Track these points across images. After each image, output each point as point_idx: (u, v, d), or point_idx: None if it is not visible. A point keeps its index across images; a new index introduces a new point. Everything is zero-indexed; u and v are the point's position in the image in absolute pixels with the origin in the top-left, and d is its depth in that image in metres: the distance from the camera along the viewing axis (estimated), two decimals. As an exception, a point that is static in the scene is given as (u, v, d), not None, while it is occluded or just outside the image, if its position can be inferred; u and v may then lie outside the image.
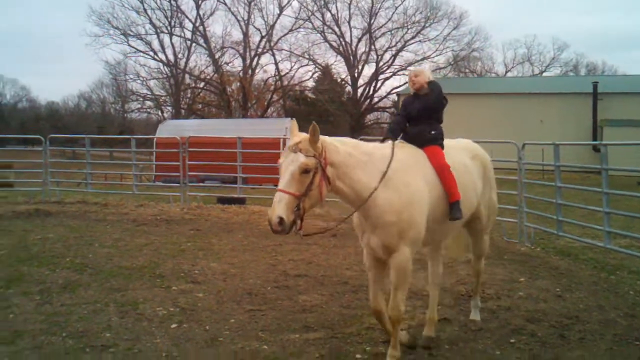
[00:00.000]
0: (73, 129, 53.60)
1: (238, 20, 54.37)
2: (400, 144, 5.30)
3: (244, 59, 54.64)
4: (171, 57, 54.59)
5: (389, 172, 4.91)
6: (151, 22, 53.23)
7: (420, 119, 5.46)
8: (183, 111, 53.90)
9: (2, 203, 15.64)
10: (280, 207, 4.36)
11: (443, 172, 5.16)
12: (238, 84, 53.77)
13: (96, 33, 52.91)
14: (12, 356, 5.17)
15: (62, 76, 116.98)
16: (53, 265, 8.45)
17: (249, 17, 54.06)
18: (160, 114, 56.80)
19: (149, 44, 54.27)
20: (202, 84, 56.26)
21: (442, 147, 5.40)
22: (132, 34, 53.34)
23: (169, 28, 53.90)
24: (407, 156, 5.16)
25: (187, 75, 55.51)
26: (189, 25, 54.56)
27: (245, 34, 54.27)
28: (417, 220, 4.90)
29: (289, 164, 4.47)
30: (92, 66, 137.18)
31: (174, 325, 6.02)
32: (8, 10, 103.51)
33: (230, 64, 55.96)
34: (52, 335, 5.69)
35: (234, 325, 6.07)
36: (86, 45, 77.83)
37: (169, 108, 56.25)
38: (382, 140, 5.33)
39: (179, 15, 53.83)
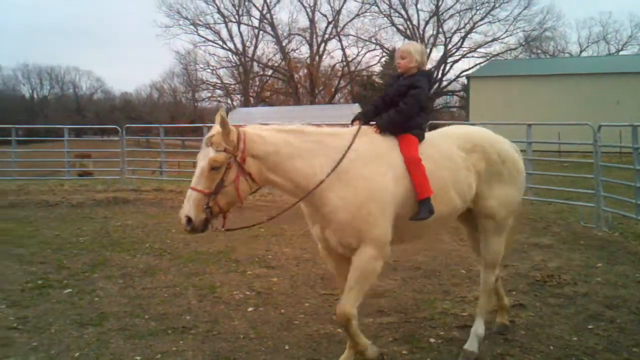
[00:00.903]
0: (146, 118, 55.20)
1: (304, 7, 54.59)
2: (366, 131, 4.71)
3: (310, 46, 54.84)
4: (239, 46, 55.34)
5: (344, 163, 4.40)
6: (219, 12, 54.07)
7: (393, 104, 4.86)
8: (252, 99, 54.59)
9: (83, 191, 16.31)
10: (187, 205, 4.10)
11: (411, 165, 4.52)
12: (305, 70, 54.05)
13: (166, 24, 54.32)
14: (100, 337, 5.41)
15: (135, 67, 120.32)
16: (133, 251, 8.80)
17: (315, 3, 54.17)
18: (229, 102, 57.71)
19: (217, 33, 55.18)
20: (270, 72, 56.80)
21: (419, 136, 4.75)
22: (201, 23, 54.35)
23: (236, 17, 54.61)
24: (371, 145, 4.59)
25: (255, 63, 56.11)
26: (257, 14, 55.15)
27: (312, 21, 54.42)
28: (378, 219, 4.35)
29: (200, 160, 4.16)
30: (164, 56, 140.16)
31: (250, 309, 6.17)
32: (86, 3, 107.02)
33: (297, 51, 56.30)
34: (135, 317, 5.92)
35: (309, 309, 6.18)
36: (157, 36, 79.64)
37: (238, 96, 57.09)
38: (352, 122, 4.87)
39: (247, 3, 54.46)
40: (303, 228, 10.36)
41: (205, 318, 5.92)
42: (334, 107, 42.96)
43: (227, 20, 54.54)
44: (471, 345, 4.96)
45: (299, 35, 55.47)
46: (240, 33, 55.25)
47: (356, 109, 31.56)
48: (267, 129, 4.49)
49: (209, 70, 57.00)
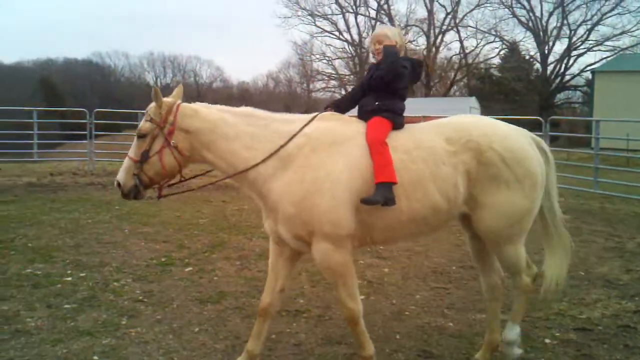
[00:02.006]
0: (262, 107, 56.59)
1: (422, -2, 53.96)
2: (326, 117, 4.41)
3: (428, 37, 54.17)
4: (356, 37, 55.51)
5: (290, 150, 4.15)
6: (337, 2, 54.38)
7: (371, 90, 4.53)
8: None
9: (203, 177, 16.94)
10: (120, 171, 4.22)
11: (372, 148, 4.11)
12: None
13: (285, 14, 55.07)
14: (218, 314, 5.67)
15: (253, 57, 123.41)
16: (249, 234, 9.10)
17: (434, -7, 53.42)
18: (344, 92, 58.05)
19: (334, 24, 55.58)
20: (385, 63, 56.55)
21: (391, 120, 4.33)
22: (319, 14, 54.90)
23: (354, 8, 54.78)
24: (327, 132, 4.25)
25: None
26: (374, 4, 55.03)
27: (430, 11, 53.69)
28: (327, 212, 4.01)
29: None
30: (281, 47, 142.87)
31: (362, 297, 6.22)
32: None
33: (414, 42, 55.76)
34: (251, 297, 6.14)
35: (420, 301, 6.18)
36: (276, 27, 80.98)
37: (353, 87, 57.33)
38: (325, 110, 4.57)
39: (365, -6, 54.48)
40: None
41: (317, 303, 6.05)
42: (449, 100, 42.37)
43: (344, 11, 54.85)
44: (509, 349, 4.58)
45: (416, 26, 54.94)
46: (357, 24, 55.42)
47: (473, 102, 31.03)
48: (209, 106, 4.43)
49: (324, 60, 57.63)
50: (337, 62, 57.63)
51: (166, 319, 5.49)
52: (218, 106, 4.46)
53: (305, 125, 4.27)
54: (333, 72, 58.04)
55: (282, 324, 5.45)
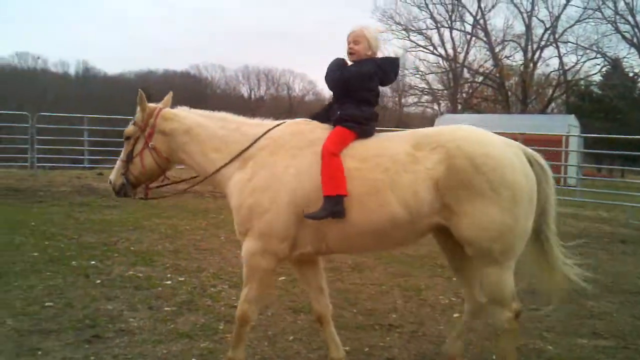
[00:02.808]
0: (354, 121, 56.75)
1: (520, 12, 52.58)
2: (297, 122, 4.53)
3: (525, 52, 52.78)
4: (450, 52, 54.87)
5: (251, 151, 4.34)
6: (432, 17, 53.92)
7: (336, 99, 4.50)
8: (459, 105, 53.92)
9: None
10: (112, 171, 4.68)
11: (322, 159, 4.07)
12: (518, 78, 52.22)
13: (379, 29, 55.04)
14: (312, 324, 5.69)
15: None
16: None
17: (533, 8, 51.95)
18: (437, 108, 57.51)
19: (429, 38, 55.07)
20: (480, 78, 55.69)
21: (354, 130, 4.24)
22: (413, 29, 54.57)
23: (449, 22, 54.17)
24: (290, 136, 4.34)
25: (465, 70, 55.33)
26: (470, 19, 54.28)
27: (528, 26, 52.33)
28: (266, 212, 4.10)
29: None
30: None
31: (456, 315, 6.15)
32: (303, 10, 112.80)
33: (510, 58, 54.58)
34: (344, 310, 6.15)
35: (516, 322, 6.02)
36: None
37: (445, 102, 56.69)
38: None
39: (460, 9, 53.71)
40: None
41: (411, 319, 6.00)
42: (546, 117, 41.05)
43: (439, 25, 54.34)
44: None
45: (513, 41, 53.65)
46: (452, 39, 54.72)
47: (572, 120, 29.95)
48: (190, 110, 4.70)
49: (417, 75, 57.25)
50: (430, 77, 57.11)
51: (261, 326, 5.58)
52: (199, 111, 4.72)
53: (272, 128, 4.44)
54: (426, 86, 57.54)
55: (374, 337, 5.44)
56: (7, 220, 10.27)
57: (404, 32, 54.54)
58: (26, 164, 18.64)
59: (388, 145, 4.20)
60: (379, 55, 4.58)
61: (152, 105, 4.67)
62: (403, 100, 63.37)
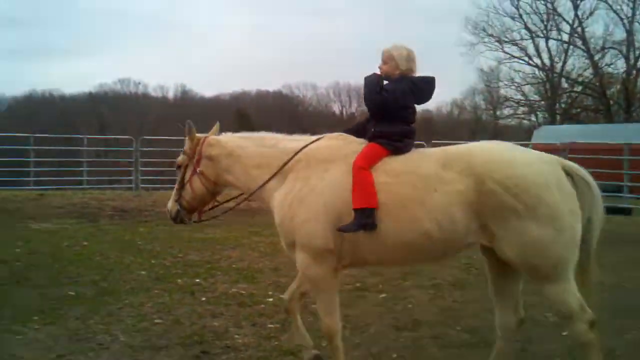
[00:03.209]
0: (446, 135, 56.06)
1: (621, 19, 50.51)
2: (333, 137, 4.69)
3: (627, 60, 50.65)
4: (547, 61, 53.30)
5: (290, 164, 4.54)
6: (526, 27, 52.57)
7: (371, 116, 4.66)
8: (558, 116, 52.21)
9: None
10: (170, 198, 4.99)
11: (353, 172, 4.20)
12: (620, 86, 50.08)
13: (471, 41, 54.19)
14: (415, 342, 5.65)
15: (436, 85, 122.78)
16: (442, 264, 8.98)
17: (634, 13, 49.87)
18: (534, 119, 55.89)
19: (523, 49, 53.69)
20: (579, 88, 53.79)
21: (387, 146, 4.35)
22: (506, 40, 53.36)
23: (544, 32, 52.68)
24: (326, 150, 4.52)
25: (563, 79, 53.58)
26: (566, 27, 52.61)
27: (630, 32, 50.12)
28: (305, 224, 4.27)
29: None
30: (466, 74, 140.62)
31: (565, 333, 5.91)
32: (395, 25, 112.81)
33: (611, 66, 52.44)
34: (447, 327, 6.06)
35: (631, 340, 5.75)
36: (461, 55, 79.84)
37: (543, 113, 55.00)
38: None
39: (556, 17, 52.14)
40: (617, 255, 9.66)
41: (517, 337, 5.82)
42: (653, 126, 39.12)
43: (534, 35, 52.91)
44: None
45: (613, 48, 51.57)
46: (548, 48, 53.06)
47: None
48: (231, 135, 5.04)
49: (512, 87, 55.88)
50: (526, 88, 55.62)
51: (364, 344, 5.57)
52: (240, 134, 5.07)
53: (310, 143, 4.63)
54: (522, 98, 56.08)
55: (480, 356, 5.28)
56: (116, 240, 10.78)
57: (497, 43, 53.44)
58: (131, 185, 19.49)
59: (419, 163, 4.28)
60: (417, 74, 4.67)
61: (199, 135, 4.99)
62: (498, 113, 62.01)
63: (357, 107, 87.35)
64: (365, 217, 4.10)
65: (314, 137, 4.74)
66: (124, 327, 5.96)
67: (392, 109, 4.47)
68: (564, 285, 4.00)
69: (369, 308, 6.69)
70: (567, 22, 51.98)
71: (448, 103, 79.26)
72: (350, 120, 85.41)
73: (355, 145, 4.50)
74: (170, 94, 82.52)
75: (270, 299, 6.96)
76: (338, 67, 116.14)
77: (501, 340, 4.56)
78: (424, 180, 4.14)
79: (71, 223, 12.87)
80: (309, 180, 4.39)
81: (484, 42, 53.54)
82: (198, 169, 4.87)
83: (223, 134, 5.08)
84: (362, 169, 4.21)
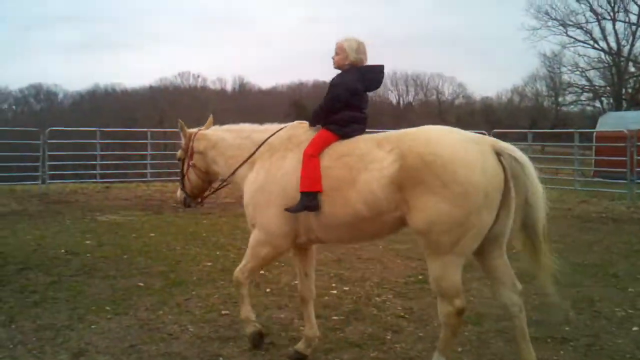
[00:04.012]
0: (506, 122, 54.96)
1: (693, -2, 48.60)
2: (295, 126, 5.17)
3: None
4: (613, 45, 51.58)
5: (257, 155, 5.10)
6: (592, 9, 50.96)
7: (326, 101, 4.97)
8: (624, 102, 50.52)
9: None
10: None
11: (302, 159, 4.66)
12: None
13: (534, 26, 52.84)
14: (479, 336, 5.63)
15: (497, 72, 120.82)
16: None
17: None
18: (598, 105, 54.20)
19: (589, 32, 52.09)
20: (649, 72, 51.87)
21: (336, 132, 4.76)
22: (571, 23, 51.87)
23: (611, 14, 50.97)
24: (286, 140, 5.01)
25: (630, 63, 51.76)
26: (635, 9, 50.74)
27: None
28: (264, 208, 4.84)
29: None
30: (527, 60, 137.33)
31: (635, 328, 5.80)
32: (452, 12, 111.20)
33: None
34: (509, 320, 5.99)
35: None
36: (523, 40, 77.79)
37: (608, 99, 53.29)
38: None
39: (623, -1, 50.45)
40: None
41: (585, 331, 5.74)
42: None
43: (600, 18, 51.28)
44: None
45: (685, 30, 49.63)
46: (615, 31, 51.29)
47: None
48: (216, 128, 5.66)
49: (577, 72, 54.30)
50: (591, 73, 53.96)
51: (428, 337, 5.58)
52: (224, 126, 5.65)
53: (274, 133, 5.14)
54: (586, 83, 54.46)
55: (547, 350, 5.26)
56: (181, 232, 11.04)
57: (561, 27, 51.95)
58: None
59: (358, 145, 4.58)
60: (368, 62, 5.04)
61: (190, 130, 5.66)
62: (561, 99, 60.46)
63: (415, 96, 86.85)
64: (308, 200, 4.53)
65: (279, 127, 5.24)
66: (193, 317, 6.12)
67: (343, 98, 4.85)
68: (450, 267, 4.17)
69: (432, 301, 6.62)
70: (636, 3, 50.08)
71: (508, 90, 77.94)
72: (408, 109, 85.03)
73: (311, 133, 4.93)
74: (229, 87, 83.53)
75: (334, 291, 7.04)
76: (395, 56, 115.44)
77: (514, 318, 4.58)
78: (358, 161, 4.46)
79: (137, 215, 13.26)
80: (269, 169, 4.91)
81: (547, 26, 52.08)
82: (191, 162, 5.59)
83: (212, 127, 5.71)
84: (311, 156, 4.62)
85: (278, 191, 4.76)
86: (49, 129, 18.19)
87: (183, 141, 5.68)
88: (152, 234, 10.65)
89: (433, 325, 5.86)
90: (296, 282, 7.25)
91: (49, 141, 17.89)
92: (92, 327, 5.84)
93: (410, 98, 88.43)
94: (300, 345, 5.13)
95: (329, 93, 4.93)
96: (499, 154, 4.16)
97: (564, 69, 55.53)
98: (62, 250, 9.26)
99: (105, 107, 67.42)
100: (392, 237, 10.00)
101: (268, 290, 7.12)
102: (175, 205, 13.96)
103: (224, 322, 5.95)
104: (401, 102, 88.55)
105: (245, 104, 63.51)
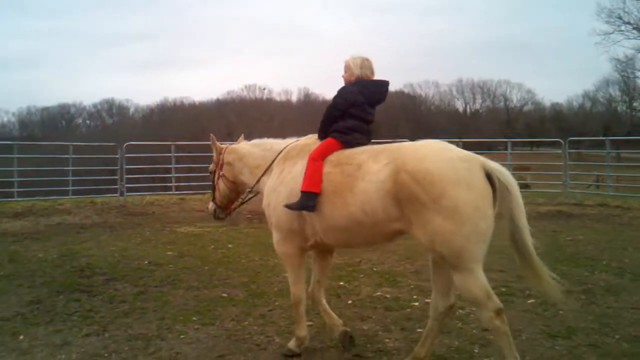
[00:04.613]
0: (578, 129, 53.47)
1: None
2: (308, 137, 5.63)
3: None
4: None
5: (275, 162, 5.60)
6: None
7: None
8: None
9: (525, 204, 16.63)
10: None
11: (307, 162, 5.10)
12: None
13: (606, 30, 51.38)
14: (571, 350, 5.48)
15: (566, 78, 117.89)
16: (590, 267, 8.66)
17: None
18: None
19: (662, 36, 50.31)
20: None
21: (339, 139, 5.19)
22: (646, 27, 50.21)
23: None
24: (298, 148, 5.47)
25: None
26: None
27: None
28: (275, 209, 5.30)
29: None
30: (599, 65, 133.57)
31: None
32: (520, 19, 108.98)
33: None
34: (604, 335, 5.83)
35: None
36: (595, 44, 75.70)
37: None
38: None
39: None
40: None
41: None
42: None
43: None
44: None
45: None
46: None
47: None
48: (244, 143, 6.21)
49: (650, 77, 52.43)
50: (668, 77, 51.99)
51: (519, 352, 5.45)
52: (252, 141, 6.17)
53: (291, 143, 5.66)
54: (661, 88, 52.50)
55: None
56: (257, 243, 11.17)
57: (634, 31, 50.36)
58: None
59: (359, 156, 4.90)
60: (375, 77, 5.46)
61: (221, 145, 6.26)
62: (635, 104, 58.47)
63: (482, 103, 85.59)
64: (307, 200, 4.91)
65: (295, 139, 5.74)
66: (277, 328, 6.20)
67: (341, 107, 5.27)
68: (469, 274, 4.32)
69: (518, 314, 6.55)
70: None
71: (579, 95, 75.84)
72: (474, 116, 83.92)
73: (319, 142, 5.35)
74: (294, 98, 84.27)
75: (416, 303, 6.99)
76: (460, 64, 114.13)
77: (432, 320, 4.95)
78: (356, 169, 4.78)
79: (213, 226, 13.46)
80: (282, 174, 5.38)
81: (620, 31, 50.50)
82: (221, 173, 6.13)
83: (243, 142, 6.26)
84: (314, 160, 5.05)
85: (287, 193, 5.18)
86: (126, 143, 18.78)
87: (214, 155, 6.26)
88: (230, 245, 10.83)
89: (521, 339, 5.76)
90: (378, 293, 7.35)
91: (127, 155, 18.46)
92: (181, 337, 5.98)
93: (477, 106, 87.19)
94: (333, 334, 5.72)
95: (330, 104, 5.41)
96: (488, 173, 4.39)
97: (638, 73, 53.68)
98: (146, 262, 9.54)
99: (174, 120, 69.08)
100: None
101: (350, 302, 7.13)
102: (249, 217, 14.20)
103: (309, 333, 5.98)
104: (468, 109, 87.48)
105: (309, 114, 63.87)
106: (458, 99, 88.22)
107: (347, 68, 5.43)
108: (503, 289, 7.48)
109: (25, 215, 15.58)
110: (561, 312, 6.56)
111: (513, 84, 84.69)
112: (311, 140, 5.49)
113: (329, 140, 5.21)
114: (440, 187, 4.28)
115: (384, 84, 5.45)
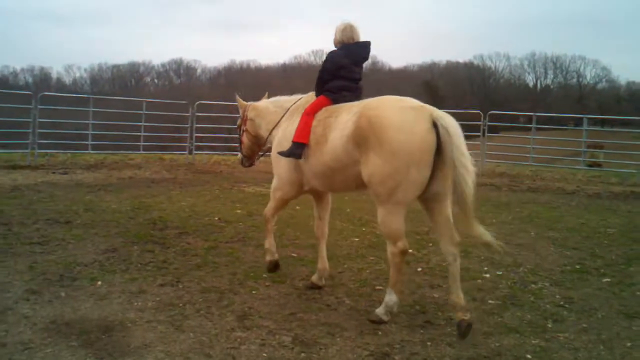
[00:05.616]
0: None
1: None
2: (309, 95, 6.28)
3: None
4: None
5: (283, 118, 6.32)
6: None
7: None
8: None
9: (597, 182, 16.22)
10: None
11: (301, 116, 5.83)
12: None
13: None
14: None
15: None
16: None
17: None
18: None
19: None
20: None
21: (330, 97, 5.85)
22: None
23: None
24: (301, 105, 6.13)
25: None
26: None
27: None
28: (278, 160, 6.04)
29: None
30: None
31: None
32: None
33: None
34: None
35: None
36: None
37: None
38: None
39: None
40: None
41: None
42: None
43: None
44: (379, 311, 5.33)
45: None
46: None
47: None
48: (266, 100, 6.96)
49: None
50: None
51: (592, 329, 5.35)
52: (270, 99, 6.93)
53: (297, 100, 6.33)
54: None
55: None
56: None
57: None
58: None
59: (339, 110, 5.51)
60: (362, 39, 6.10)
61: (245, 103, 7.04)
62: None
63: (553, 79, 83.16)
64: (295, 148, 5.67)
65: (301, 96, 6.39)
66: (348, 290, 6.25)
67: (331, 70, 5.90)
68: (391, 213, 5.01)
69: (593, 292, 6.40)
70: None
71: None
72: (545, 92, 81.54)
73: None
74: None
75: (487, 275, 6.91)
76: (534, 38, 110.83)
77: (449, 265, 5.20)
78: (334, 122, 5.43)
79: (280, 188, 13.55)
80: (285, 128, 6.10)
81: None
82: (244, 127, 6.96)
83: (265, 99, 7.03)
84: (307, 114, 5.75)
85: (286, 145, 5.82)
86: (197, 102, 19.01)
87: (240, 112, 7.06)
88: (298, 207, 10.88)
89: (597, 317, 5.64)
90: (446, 263, 7.26)
91: (197, 114, 18.71)
92: (253, 292, 6.07)
93: (549, 81, 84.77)
94: (314, 277, 6.32)
95: (321, 67, 6.05)
96: (435, 122, 4.80)
97: None
98: (216, 218, 9.73)
99: (240, 82, 69.55)
100: (546, 225, 9.81)
101: (419, 269, 7.10)
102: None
103: (379, 296, 5.94)
104: (539, 84, 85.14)
105: (376, 82, 63.47)
106: (529, 73, 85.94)
107: (335, 33, 6.11)
108: (577, 266, 7.34)
109: (98, 168, 16.10)
110: (638, 293, 6.39)
111: (588, 60, 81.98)
112: (310, 98, 6.14)
113: (320, 98, 5.93)
114: (385, 132, 4.87)
115: (366, 44, 6.07)
